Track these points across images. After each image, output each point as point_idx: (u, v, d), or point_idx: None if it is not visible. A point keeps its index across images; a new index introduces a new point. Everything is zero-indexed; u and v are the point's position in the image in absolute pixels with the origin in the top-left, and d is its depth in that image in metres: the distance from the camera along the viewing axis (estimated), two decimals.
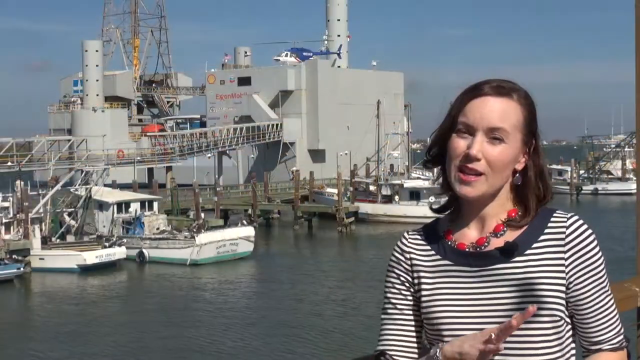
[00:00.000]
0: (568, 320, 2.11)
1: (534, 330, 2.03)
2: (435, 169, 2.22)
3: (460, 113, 2.09)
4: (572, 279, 2.08)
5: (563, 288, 2.07)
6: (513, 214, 2.14)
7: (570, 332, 2.12)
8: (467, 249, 2.13)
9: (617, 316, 2.17)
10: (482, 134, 2.05)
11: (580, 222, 2.11)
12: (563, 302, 2.07)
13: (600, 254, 2.11)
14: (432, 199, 57.75)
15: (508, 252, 2.08)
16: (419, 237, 2.24)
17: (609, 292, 2.14)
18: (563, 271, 2.07)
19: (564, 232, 2.09)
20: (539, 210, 2.14)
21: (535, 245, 2.09)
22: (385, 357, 2.24)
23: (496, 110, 2.06)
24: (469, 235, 2.15)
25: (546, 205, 2.15)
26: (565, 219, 2.11)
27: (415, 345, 2.25)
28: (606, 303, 2.13)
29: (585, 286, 2.09)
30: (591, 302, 2.10)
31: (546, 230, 2.10)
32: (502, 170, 2.07)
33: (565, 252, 2.08)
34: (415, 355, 2.25)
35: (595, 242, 2.10)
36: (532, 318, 1.99)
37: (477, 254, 2.11)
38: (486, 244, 2.12)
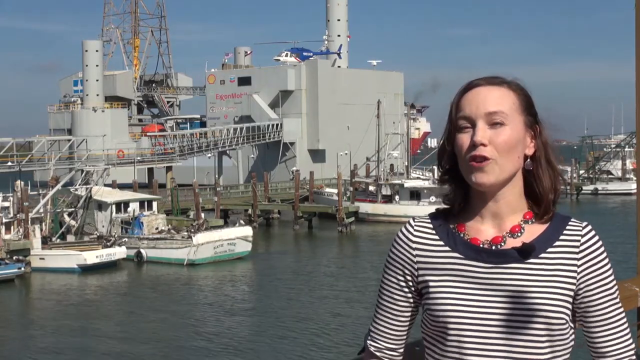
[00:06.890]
0: (572, 325, 2.11)
1: (532, 331, 2.04)
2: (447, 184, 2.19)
3: (457, 111, 2.10)
4: (582, 286, 2.09)
5: (572, 293, 2.08)
6: (528, 217, 2.14)
7: (572, 343, 2.11)
8: (481, 245, 2.11)
9: (627, 330, 2.15)
10: (482, 122, 2.05)
11: (594, 232, 2.12)
12: (570, 306, 2.08)
13: (610, 265, 2.12)
14: (432, 198, 57.86)
15: (524, 253, 2.08)
16: (426, 225, 2.20)
17: (619, 305, 2.14)
18: (574, 277, 2.08)
19: (579, 240, 2.10)
20: (555, 216, 2.15)
21: (550, 250, 2.09)
22: (372, 352, 2.26)
23: (490, 97, 2.07)
24: (484, 232, 2.13)
25: (557, 199, 2.15)
26: (581, 228, 2.12)
27: (403, 342, 2.27)
28: (615, 315, 2.12)
29: (594, 294, 2.10)
30: (599, 311, 2.11)
31: (561, 237, 2.11)
32: (509, 152, 2.05)
33: (578, 260, 2.09)
34: (401, 350, 2.27)
35: (606, 254, 2.12)
36: (534, 319, 2.02)
37: (492, 251, 2.10)
38: (502, 243, 2.11)
